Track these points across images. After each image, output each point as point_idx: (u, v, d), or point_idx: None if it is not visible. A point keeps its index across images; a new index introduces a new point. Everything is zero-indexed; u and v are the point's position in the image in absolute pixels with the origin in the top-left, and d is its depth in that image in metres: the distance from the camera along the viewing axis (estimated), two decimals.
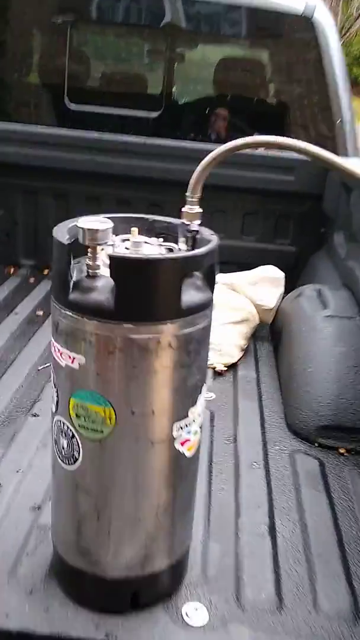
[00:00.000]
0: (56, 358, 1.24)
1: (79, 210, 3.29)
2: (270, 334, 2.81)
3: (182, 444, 1.27)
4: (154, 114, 3.25)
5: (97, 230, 1.12)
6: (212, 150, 1.28)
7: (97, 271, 1.16)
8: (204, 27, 3.37)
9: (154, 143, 3.11)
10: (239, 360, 2.55)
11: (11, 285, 3.13)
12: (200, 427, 1.33)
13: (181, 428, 1.25)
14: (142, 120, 3.24)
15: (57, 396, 1.26)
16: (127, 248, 1.24)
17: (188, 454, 1.29)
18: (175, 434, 1.24)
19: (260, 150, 3.20)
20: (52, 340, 1.25)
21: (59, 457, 1.29)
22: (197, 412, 1.28)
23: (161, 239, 1.27)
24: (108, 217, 1.32)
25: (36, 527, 1.59)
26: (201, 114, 3.38)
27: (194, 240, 1.20)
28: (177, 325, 1.16)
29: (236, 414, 2.20)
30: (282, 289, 2.85)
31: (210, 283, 1.23)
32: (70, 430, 1.24)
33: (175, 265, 1.12)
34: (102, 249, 1.19)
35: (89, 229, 1.12)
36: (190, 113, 3.48)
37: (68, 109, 3.25)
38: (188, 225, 1.19)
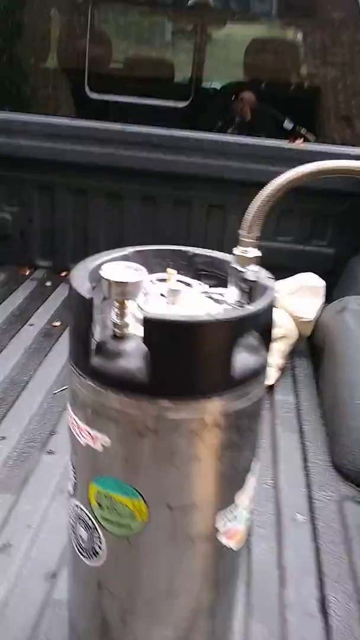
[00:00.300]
0: (74, 432, 1.00)
1: (99, 207, 3.09)
2: (309, 350, 2.55)
3: (227, 537, 1.03)
4: (182, 103, 2.98)
5: (126, 283, 0.87)
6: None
7: (125, 330, 0.91)
8: (237, 5, 3.08)
9: (182, 135, 2.84)
10: (276, 381, 2.30)
11: (26, 290, 2.90)
12: (251, 511, 1.09)
13: (228, 519, 1.01)
14: (169, 110, 2.97)
15: (75, 477, 1.03)
16: (162, 295, 0.99)
17: (235, 546, 1.06)
18: (220, 526, 1.00)
19: (297, 144, 2.92)
20: (69, 409, 1.01)
21: (77, 548, 1.06)
22: (248, 494, 1.04)
23: (204, 282, 1.02)
24: (138, 252, 1.08)
25: (50, 604, 1.37)
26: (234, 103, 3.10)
27: (248, 290, 0.95)
28: (227, 399, 0.91)
29: (275, 450, 1.96)
30: (322, 299, 2.59)
31: (267, 340, 0.98)
32: (91, 521, 1.00)
33: (226, 328, 0.87)
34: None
35: (116, 282, 0.87)
36: (222, 102, 3.20)
37: (88, 98, 2.99)
38: (242, 273, 0.93)
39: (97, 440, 0.94)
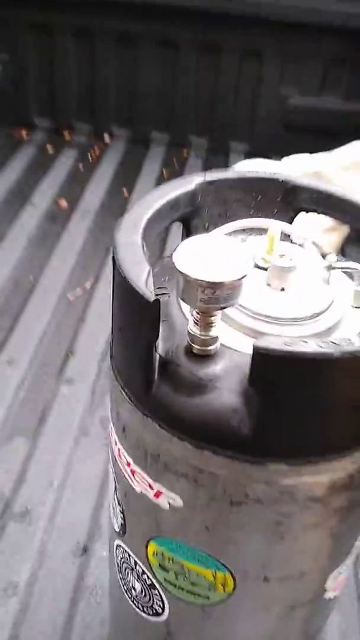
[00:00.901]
0: (122, 470, 0.68)
1: (107, 53, 2.54)
2: None
3: (334, 589, 0.75)
4: None
5: (221, 283, 0.50)
6: None
7: (211, 348, 0.56)
8: None
9: None
10: None
11: (23, 159, 2.44)
12: None
13: (339, 574, 0.73)
14: None
15: (123, 519, 0.73)
16: (256, 266, 0.62)
17: (337, 594, 0.79)
18: (328, 586, 0.72)
19: None
20: (113, 434, 0.68)
21: (128, 596, 0.79)
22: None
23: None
24: (210, 183, 0.69)
25: (83, 592, 1.14)
26: None
27: None
28: None
29: None
30: None
31: None
32: (148, 578, 0.72)
33: None
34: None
35: (207, 283, 0.50)
36: None
37: None
38: None
39: (161, 495, 0.63)
